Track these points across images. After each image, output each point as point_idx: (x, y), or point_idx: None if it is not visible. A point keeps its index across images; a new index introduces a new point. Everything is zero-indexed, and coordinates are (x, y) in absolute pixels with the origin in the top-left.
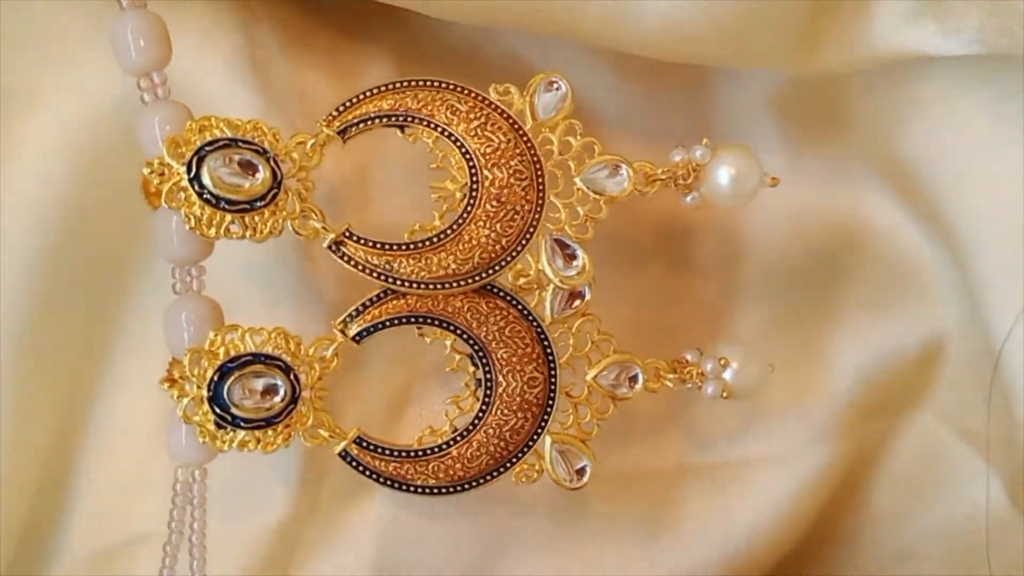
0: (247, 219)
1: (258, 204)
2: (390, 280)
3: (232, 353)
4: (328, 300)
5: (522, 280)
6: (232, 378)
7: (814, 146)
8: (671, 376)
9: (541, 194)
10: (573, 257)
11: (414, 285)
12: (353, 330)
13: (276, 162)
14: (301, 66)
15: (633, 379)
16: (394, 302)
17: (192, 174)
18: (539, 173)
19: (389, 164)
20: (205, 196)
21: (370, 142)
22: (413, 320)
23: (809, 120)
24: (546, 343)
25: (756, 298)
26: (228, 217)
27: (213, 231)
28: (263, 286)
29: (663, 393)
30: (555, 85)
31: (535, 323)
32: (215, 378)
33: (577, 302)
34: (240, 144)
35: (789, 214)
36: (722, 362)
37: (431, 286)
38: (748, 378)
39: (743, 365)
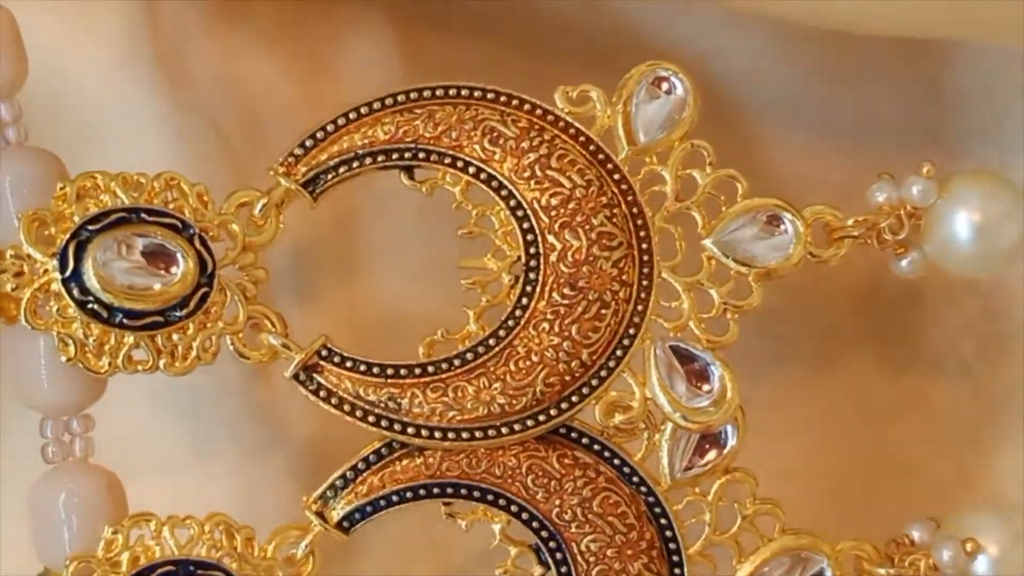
0: (160, 339)
1: (177, 315)
2: (396, 427)
3: (144, 562)
4: (295, 448)
5: (619, 418)
6: None
7: None
8: (884, 571)
9: (647, 271)
10: (704, 377)
11: (436, 434)
12: (338, 512)
13: (204, 242)
14: (237, 46)
15: None
16: (404, 462)
17: (69, 272)
18: (642, 235)
19: (388, 213)
20: (91, 307)
21: (359, 180)
22: (437, 491)
23: None
24: (664, 521)
25: None
26: (129, 338)
27: (105, 362)
28: (183, 429)
29: None
30: (665, 84)
31: (644, 488)
32: None
33: (713, 453)
34: (144, 216)
35: None
36: (969, 547)
37: (465, 435)
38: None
39: (1006, 551)
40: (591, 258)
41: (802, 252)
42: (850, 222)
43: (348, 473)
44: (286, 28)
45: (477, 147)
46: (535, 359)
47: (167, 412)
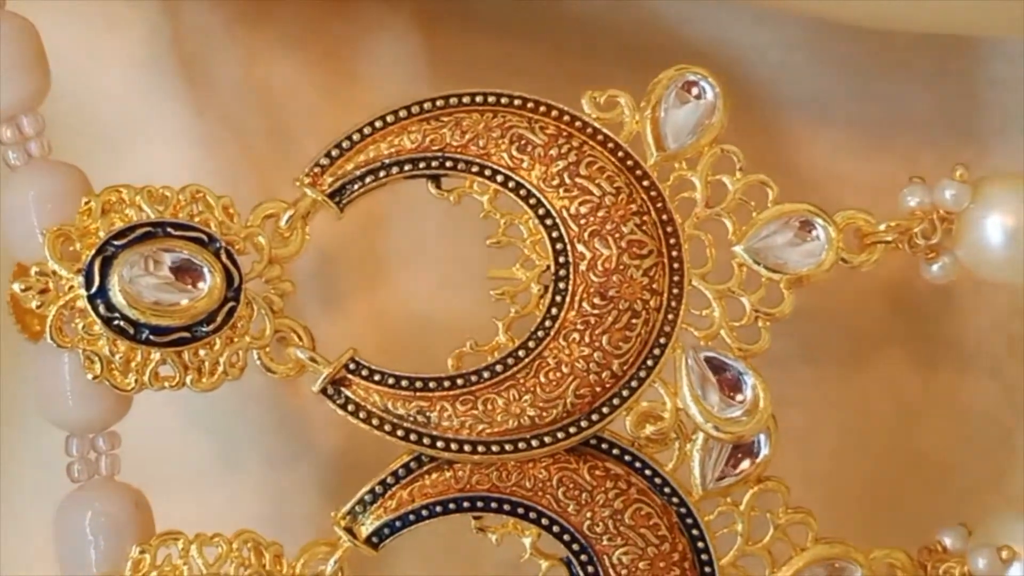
0: (187, 355)
1: (204, 330)
2: (425, 441)
3: None
4: (322, 458)
5: (650, 428)
6: None
7: None
8: None
9: (677, 279)
10: (737, 386)
11: (466, 447)
12: (367, 527)
13: (231, 255)
14: (260, 49)
15: None
16: (434, 476)
17: (94, 288)
18: (672, 243)
19: (414, 217)
20: (116, 323)
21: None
22: (467, 505)
23: None
24: (696, 532)
25: None
26: (156, 355)
27: (132, 379)
28: (209, 440)
29: None
30: (695, 89)
31: (676, 499)
32: None
33: (746, 462)
34: (170, 231)
35: None
36: (1004, 554)
37: (495, 448)
38: None
39: None
40: (621, 267)
41: (834, 258)
42: (882, 227)
43: (377, 488)
44: (309, 29)
45: (505, 155)
46: (565, 370)
47: (191, 423)
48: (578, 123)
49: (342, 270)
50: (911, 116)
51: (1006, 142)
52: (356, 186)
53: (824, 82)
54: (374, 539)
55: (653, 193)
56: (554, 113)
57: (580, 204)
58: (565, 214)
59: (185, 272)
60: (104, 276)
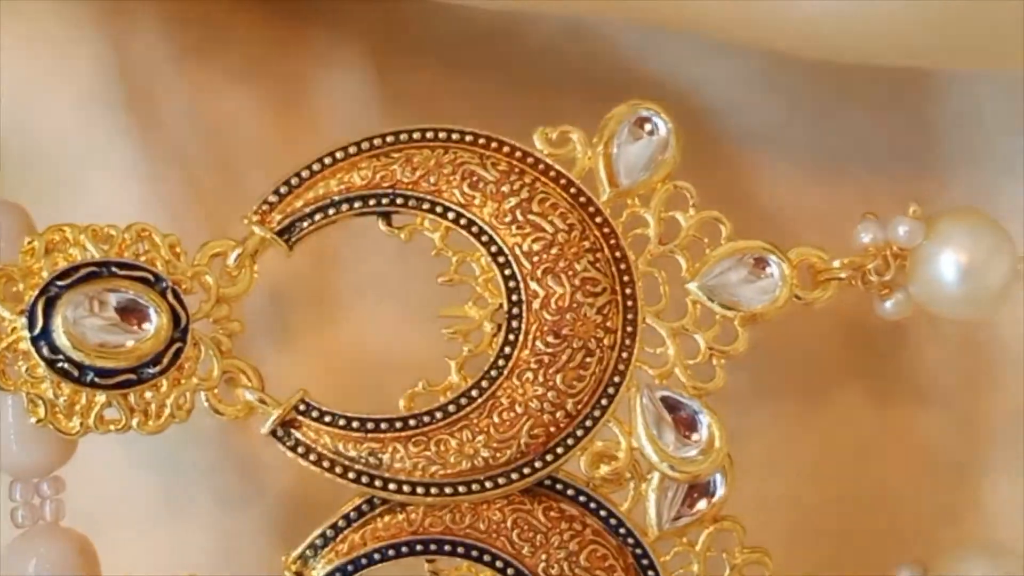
0: (133, 398)
1: (150, 372)
2: (377, 483)
3: None
4: (274, 500)
5: (605, 469)
6: None
7: None
8: None
9: (631, 317)
10: (692, 426)
11: (419, 490)
12: (319, 571)
13: (178, 295)
14: (208, 83)
15: None
16: (386, 519)
17: (38, 330)
18: (625, 280)
19: (366, 253)
20: (60, 366)
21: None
22: (420, 548)
23: None
24: (651, 574)
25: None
26: (101, 397)
27: (76, 423)
28: (158, 481)
29: None
30: (648, 125)
31: (632, 540)
32: None
33: (703, 502)
34: (115, 270)
35: None
36: None
37: (448, 490)
38: None
39: None
40: (575, 305)
41: (788, 295)
42: (836, 264)
43: (328, 531)
44: (258, 63)
45: (456, 192)
46: (519, 410)
47: (140, 463)
48: (530, 159)
49: (292, 308)
50: (866, 149)
51: (961, 174)
52: (305, 223)
53: (779, 114)
54: None
55: (606, 230)
56: (506, 149)
57: (533, 241)
58: (518, 251)
59: (131, 313)
60: (48, 317)
